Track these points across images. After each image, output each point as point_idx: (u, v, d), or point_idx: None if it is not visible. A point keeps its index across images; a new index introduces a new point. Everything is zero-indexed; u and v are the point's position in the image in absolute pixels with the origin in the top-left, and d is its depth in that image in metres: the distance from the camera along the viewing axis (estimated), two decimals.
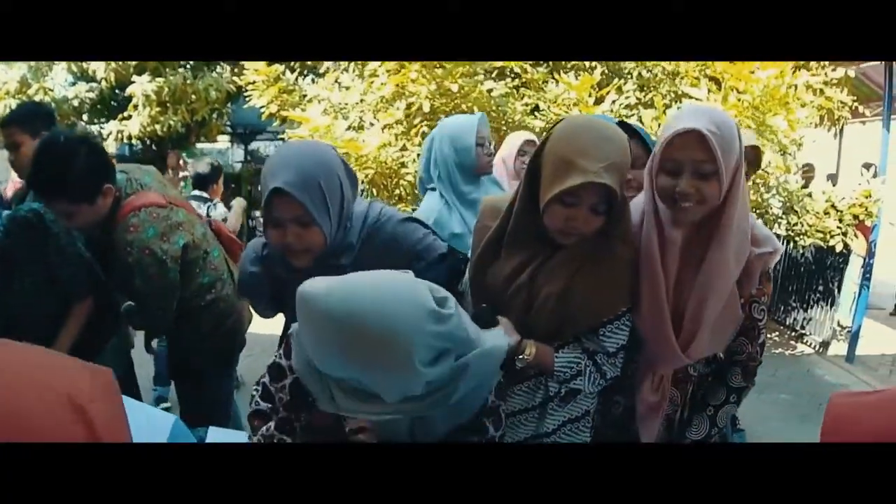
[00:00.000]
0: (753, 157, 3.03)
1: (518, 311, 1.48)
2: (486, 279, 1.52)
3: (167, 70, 6.89)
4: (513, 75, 4.29)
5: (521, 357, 1.43)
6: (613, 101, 3.89)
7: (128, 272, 2.00)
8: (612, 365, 1.49)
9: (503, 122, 3.93)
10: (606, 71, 4.22)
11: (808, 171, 5.96)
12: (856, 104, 4.75)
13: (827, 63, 3.89)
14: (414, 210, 2.59)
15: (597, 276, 1.43)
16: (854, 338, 5.26)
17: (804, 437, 1.44)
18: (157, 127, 7.01)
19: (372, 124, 4.25)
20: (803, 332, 5.93)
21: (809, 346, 5.80)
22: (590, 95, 3.76)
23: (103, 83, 7.35)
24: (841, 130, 5.58)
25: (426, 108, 3.73)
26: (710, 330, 1.47)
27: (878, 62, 5.90)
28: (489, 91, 3.91)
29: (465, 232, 2.10)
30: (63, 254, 2.09)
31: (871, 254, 5.16)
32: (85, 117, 8.03)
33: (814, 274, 5.88)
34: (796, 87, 3.62)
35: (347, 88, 4.54)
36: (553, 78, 3.92)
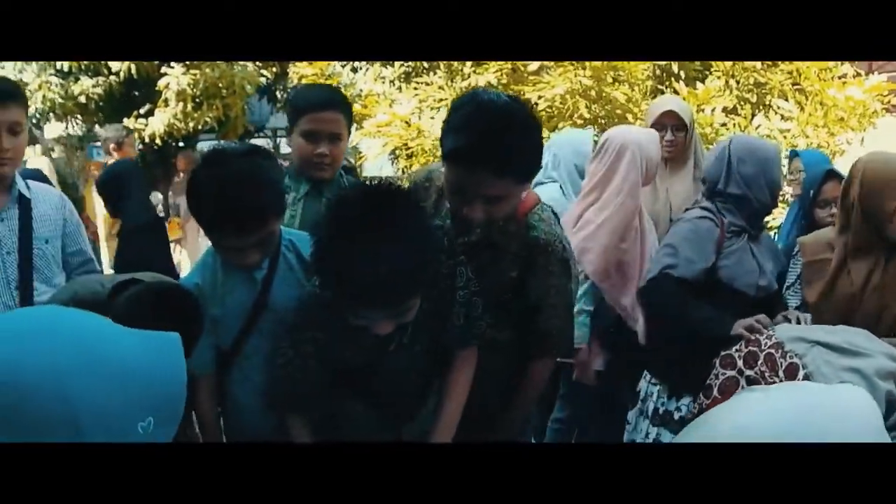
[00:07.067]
0: None
1: (870, 316, 1.75)
2: (835, 294, 1.83)
3: (202, 62, 6.50)
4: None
5: None
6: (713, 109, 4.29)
7: (545, 276, 1.56)
8: None
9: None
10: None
11: None
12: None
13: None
14: None
15: None
16: None
17: None
18: (191, 124, 6.59)
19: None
20: None
21: None
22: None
23: (113, 77, 6.87)
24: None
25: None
26: None
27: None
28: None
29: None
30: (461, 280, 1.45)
31: None
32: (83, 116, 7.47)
33: None
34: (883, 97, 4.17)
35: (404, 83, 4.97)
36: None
